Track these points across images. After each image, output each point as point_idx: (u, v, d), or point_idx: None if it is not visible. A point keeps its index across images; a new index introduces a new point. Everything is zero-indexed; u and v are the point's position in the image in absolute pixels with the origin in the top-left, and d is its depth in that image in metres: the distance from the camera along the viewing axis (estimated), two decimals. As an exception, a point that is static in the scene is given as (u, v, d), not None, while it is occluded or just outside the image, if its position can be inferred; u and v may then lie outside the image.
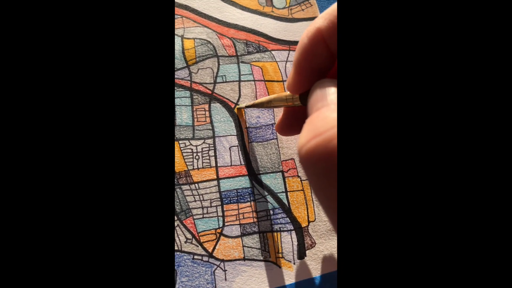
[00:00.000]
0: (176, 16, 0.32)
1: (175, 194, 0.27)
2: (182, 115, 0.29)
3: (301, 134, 0.14)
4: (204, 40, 0.31)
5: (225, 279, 0.26)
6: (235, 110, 0.30)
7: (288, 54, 0.33)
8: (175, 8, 0.32)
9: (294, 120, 0.24)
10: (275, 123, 0.30)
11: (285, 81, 0.32)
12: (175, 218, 0.26)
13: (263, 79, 0.31)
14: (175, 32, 0.31)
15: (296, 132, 0.25)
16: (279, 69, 0.32)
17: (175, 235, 0.26)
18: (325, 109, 0.14)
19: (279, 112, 0.30)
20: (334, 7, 0.16)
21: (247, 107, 0.28)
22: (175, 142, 0.28)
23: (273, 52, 0.33)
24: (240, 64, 0.31)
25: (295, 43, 0.34)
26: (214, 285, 0.25)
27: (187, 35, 0.31)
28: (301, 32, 0.34)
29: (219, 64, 0.31)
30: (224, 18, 0.33)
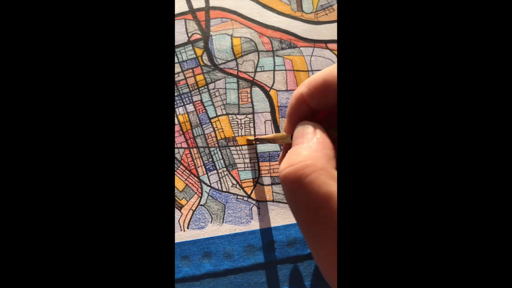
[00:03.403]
0: (226, 19, 0.41)
1: (226, 152, 0.37)
2: (231, 96, 0.39)
3: (283, 161, 0.18)
4: (248, 38, 0.41)
5: (259, 214, 0.36)
6: (245, 141, 0.37)
7: (313, 50, 0.42)
8: (226, 12, 0.41)
9: None
10: (300, 104, 0.40)
11: (310, 71, 0.41)
12: (225, 169, 0.37)
13: (292, 69, 0.41)
14: (226, 32, 0.41)
15: None
16: (305, 61, 0.41)
17: (225, 180, 0.36)
18: (300, 146, 0.18)
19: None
20: (314, 77, 0.20)
21: (256, 140, 0.36)
22: (225, 116, 0.38)
23: (301, 48, 0.42)
24: (275, 57, 0.41)
25: (319, 41, 0.42)
26: (251, 217, 0.36)
27: (235, 34, 0.41)
28: (325, 33, 0.43)
29: (259, 57, 0.40)
30: (264, 21, 0.42)
